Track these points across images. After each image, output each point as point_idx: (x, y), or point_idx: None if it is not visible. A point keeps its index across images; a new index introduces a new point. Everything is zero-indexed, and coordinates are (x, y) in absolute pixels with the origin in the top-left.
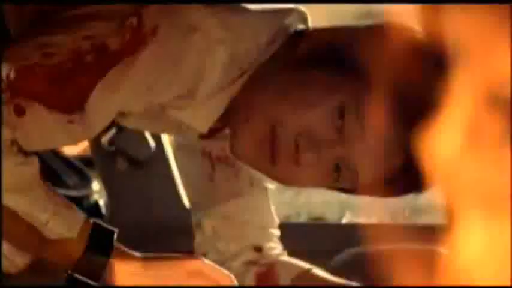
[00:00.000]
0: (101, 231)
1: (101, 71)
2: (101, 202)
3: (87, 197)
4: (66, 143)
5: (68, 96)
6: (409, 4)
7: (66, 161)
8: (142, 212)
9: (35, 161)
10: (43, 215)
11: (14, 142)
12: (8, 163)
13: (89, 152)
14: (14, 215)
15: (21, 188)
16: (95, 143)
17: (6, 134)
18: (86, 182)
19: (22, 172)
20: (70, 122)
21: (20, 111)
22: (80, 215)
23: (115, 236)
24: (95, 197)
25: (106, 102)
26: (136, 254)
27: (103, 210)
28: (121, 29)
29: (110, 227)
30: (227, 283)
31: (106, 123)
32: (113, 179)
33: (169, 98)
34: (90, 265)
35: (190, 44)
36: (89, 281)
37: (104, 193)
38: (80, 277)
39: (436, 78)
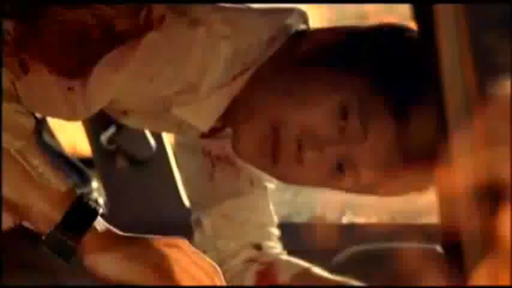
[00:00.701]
0: (83, 207)
1: (104, 48)
2: (101, 201)
3: (87, 195)
4: (64, 114)
5: (71, 65)
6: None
7: (66, 159)
8: (142, 211)
9: (33, 120)
10: (34, 160)
11: (14, 87)
12: (7, 107)
13: (88, 152)
14: (11, 156)
15: (17, 134)
16: (95, 141)
17: (8, 79)
18: (86, 180)
19: (19, 120)
20: (70, 88)
21: (24, 67)
22: (68, 182)
23: (97, 217)
24: (95, 195)
25: (106, 81)
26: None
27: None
28: (129, 13)
29: (94, 206)
30: (209, 269)
31: (104, 103)
32: (113, 178)
33: (171, 91)
34: (59, 240)
35: (194, 38)
36: (57, 256)
37: (103, 192)
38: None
39: None
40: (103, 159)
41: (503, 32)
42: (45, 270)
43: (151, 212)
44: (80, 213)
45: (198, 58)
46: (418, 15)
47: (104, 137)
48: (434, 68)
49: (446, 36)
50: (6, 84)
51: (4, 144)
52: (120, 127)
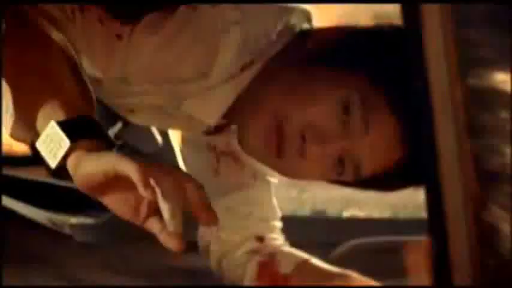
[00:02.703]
0: (88, 122)
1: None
2: None
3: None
4: (99, 67)
5: (124, 12)
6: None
7: None
8: None
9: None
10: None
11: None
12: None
13: None
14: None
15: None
16: None
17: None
18: None
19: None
20: (118, 36)
21: (79, 9)
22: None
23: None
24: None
25: (144, 42)
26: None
27: None
28: None
29: (101, 126)
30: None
31: (138, 65)
32: None
33: (183, 76)
34: (51, 142)
35: (205, 23)
36: (46, 160)
37: None
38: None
39: None
40: None
41: (484, 28)
42: (51, 261)
43: None
44: (85, 123)
45: (209, 42)
46: (406, 14)
47: (110, 133)
48: (420, 61)
49: (431, 32)
50: (59, 17)
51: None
52: (126, 123)
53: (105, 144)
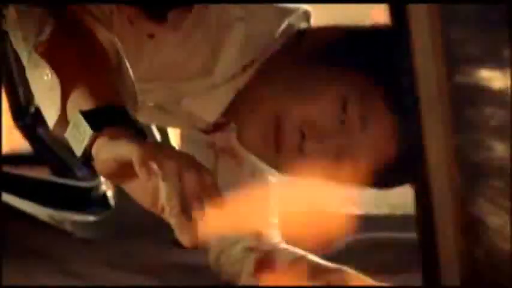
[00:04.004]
0: (116, 111)
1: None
2: (109, 193)
3: (96, 188)
4: (132, 62)
5: (155, 4)
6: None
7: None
8: None
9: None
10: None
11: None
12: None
13: None
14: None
15: None
16: None
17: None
18: (95, 174)
19: None
20: (150, 35)
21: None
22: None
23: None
24: (103, 188)
25: (166, 40)
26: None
27: (111, 201)
28: None
29: (135, 120)
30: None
31: (163, 62)
32: None
33: (189, 74)
34: (77, 131)
35: (212, 20)
36: (74, 149)
37: (111, 184)
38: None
39: None
40: None
41: (472, 27)
42: (54, 256)
43: None
44: (114, 113)
45: (213, 38)
46: (394, 14)
47: None
48: (409, 59)
49: (419, 31)
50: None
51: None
52: None
53: (134, 133)
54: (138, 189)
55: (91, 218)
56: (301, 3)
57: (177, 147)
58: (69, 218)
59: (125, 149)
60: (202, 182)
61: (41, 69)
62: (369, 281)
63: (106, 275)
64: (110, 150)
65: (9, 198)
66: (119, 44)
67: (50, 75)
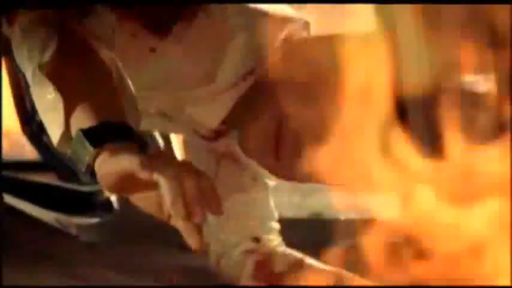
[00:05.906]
0: (117, 127)
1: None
2: (113, 198)
3: (100, 192)
4: (131, 76)
5: (161, 17)
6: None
7: None
8: None
9: None
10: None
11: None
12: None
13: None
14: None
15: None
16: None
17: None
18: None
19: None
20: (152, 49)
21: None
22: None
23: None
24: (107, 192)
25: (170, 52)
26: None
27: (114, 204)
28: None
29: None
30: None
31: (162, 76)
32: None
33: (192, 83)
34: (78, 149)
35: (215, 29)
36: (78, 165)
37: None
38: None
39: None
40: None
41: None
42: (59, 259)
43: None
44: (115, 129)
45: (215, 46)
46: (379, 15)
47: None
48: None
49: (405, 32)
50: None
51: None
52: None
53: (135, 146)
54: (143, 199)
55: (95, 221)
56: (301, 3)
57: (179, 153)
58: (74, 221)
59: (126, 162)
60: (201, 188)
61: (44, 88)
62: (367, 283)
63: (110, 278)
64: (112, 165)
65: (14, 202)
66: (120, 63)
67: (53, 94)
